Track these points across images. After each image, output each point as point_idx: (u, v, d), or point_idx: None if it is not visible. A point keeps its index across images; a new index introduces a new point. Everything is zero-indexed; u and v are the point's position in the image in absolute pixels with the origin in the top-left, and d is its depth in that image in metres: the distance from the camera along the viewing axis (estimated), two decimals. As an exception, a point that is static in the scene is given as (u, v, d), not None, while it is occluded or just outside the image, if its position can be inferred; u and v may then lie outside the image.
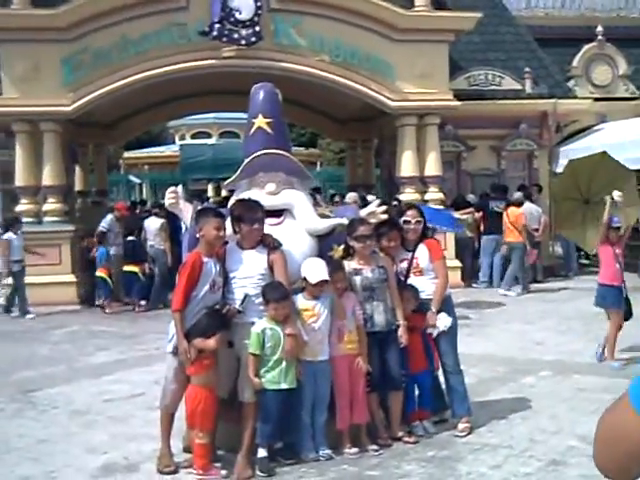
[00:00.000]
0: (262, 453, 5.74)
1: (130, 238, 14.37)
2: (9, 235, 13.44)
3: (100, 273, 14.01)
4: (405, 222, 6.74)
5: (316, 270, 5.97)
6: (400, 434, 6.37)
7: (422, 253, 6.70)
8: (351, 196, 14.72)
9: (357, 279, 6.26)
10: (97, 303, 14.36)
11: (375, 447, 6.18)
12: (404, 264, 6.70)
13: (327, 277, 5.95)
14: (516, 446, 6.25)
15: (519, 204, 15.30)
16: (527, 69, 17.96)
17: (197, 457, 5.69)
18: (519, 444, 6.29)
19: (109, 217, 14.54)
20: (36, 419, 7.42)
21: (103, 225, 14.30)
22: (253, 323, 5.81)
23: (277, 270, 5.87)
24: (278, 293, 5.77)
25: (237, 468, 5.71)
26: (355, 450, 6.10)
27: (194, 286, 5.73)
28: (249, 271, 5.89)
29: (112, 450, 6.37)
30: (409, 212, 6.80)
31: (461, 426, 6.59)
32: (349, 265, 6.31)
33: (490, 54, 18.50)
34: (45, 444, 6.63)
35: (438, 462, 5.95)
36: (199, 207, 6.46)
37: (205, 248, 5.87)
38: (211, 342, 5.63)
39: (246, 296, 5.81)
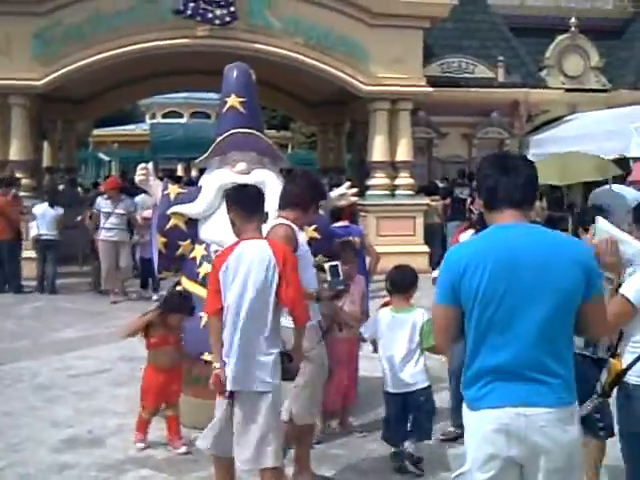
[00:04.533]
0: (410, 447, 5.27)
1: None
2: None
3: None
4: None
5: None
6: None
7: None
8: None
9: None
10: None
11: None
12: None
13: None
14: None
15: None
16: (500, 58, 18.06)
17: None
18: None
19: (99, 198, 13.15)
20: (0, 393, 7.40)
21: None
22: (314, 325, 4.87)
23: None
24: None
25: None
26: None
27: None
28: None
29: (76, 424, 6.38)
30: None
31: None
32: None
33: (464, 42, 18.54)
34: (9, 417, 6.62)
35: None
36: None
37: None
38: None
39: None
